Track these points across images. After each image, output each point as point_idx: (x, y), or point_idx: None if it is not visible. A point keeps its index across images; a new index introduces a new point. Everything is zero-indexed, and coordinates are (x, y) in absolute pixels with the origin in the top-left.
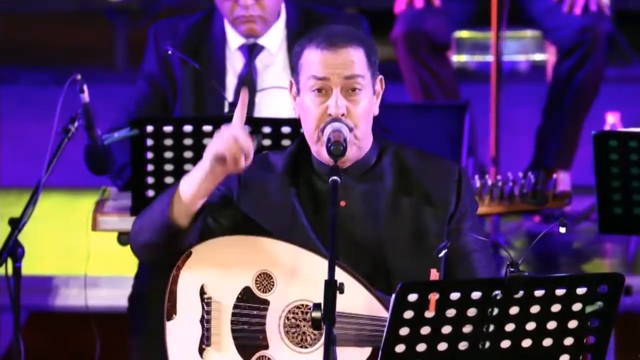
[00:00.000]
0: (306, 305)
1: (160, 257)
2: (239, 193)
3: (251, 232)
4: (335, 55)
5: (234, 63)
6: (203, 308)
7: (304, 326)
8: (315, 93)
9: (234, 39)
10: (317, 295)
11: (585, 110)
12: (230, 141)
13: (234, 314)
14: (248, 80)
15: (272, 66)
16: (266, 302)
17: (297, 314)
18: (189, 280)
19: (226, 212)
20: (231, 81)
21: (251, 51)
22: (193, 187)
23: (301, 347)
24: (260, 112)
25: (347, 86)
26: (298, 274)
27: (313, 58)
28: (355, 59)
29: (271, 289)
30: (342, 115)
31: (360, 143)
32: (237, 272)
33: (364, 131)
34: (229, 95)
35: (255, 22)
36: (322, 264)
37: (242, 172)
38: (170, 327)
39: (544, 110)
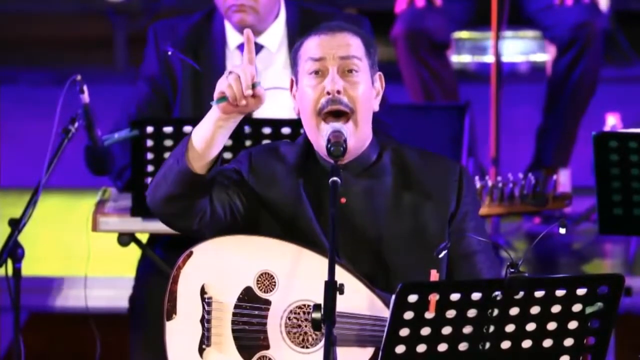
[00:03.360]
0: (308, 306)
1: (180, 209)
2: (248, 178)
3: (256, 222)
4: (331, 37)
5: (234, 63)
6: (204, 308)
7: (306, 326)
8: (312, 76)
9: (233, 38)
10: (319, 295)
11: (583, 107)
12: (227, 78)
13: (234, 314)
14: None
15: (272, 66)
16: (267, 302)
17: (298, 314)
18: (189, 280)
19: (238, 189)
20: None
21: None
22: (205, 134)
23: (302, 347)
24: (259, 112)
25: (344, 67)
26: (300, 273)
27: (311, 44)
28: (352, 42)
29: (273, 289)
30: (338, 92)
31: (359, 132)
32: (239, 272)
33: (362, 118)
34: None
35: (246, 12)
36: (324, 263)
37: (253, 158)
38: (170, 327)
39: (543, 109)
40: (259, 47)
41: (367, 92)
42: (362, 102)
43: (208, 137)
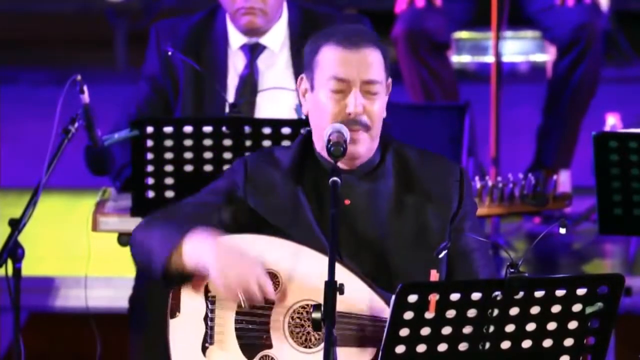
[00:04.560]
0: (311, 305)
1: (152, 278)
2: (245, 188)
3: (255, 229)
4: (355, 55)
5: (236, 63)
6: (207, 306)
7: (309, 326)
8: (333, 91)
9: (236, 39)
10: (323, 295)
11: (584, 108)
12: (245, 288)
13: (238, 313)
14: (249, 80)
15: (274, 67)
16: (271, 302)
17: (301, 313)
18: (192, 279)
19: (230, 208)
20: (232, 81)
21: (253, 51)
22: (192, 261)
23: (305, 347)
24: (261, 112)
25: (366, 88)
26: (304, 273)
27: (332, 56)
28: (374, 61)
29: (276, 288)
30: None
31: (373, 143)
32: None
33: (377, 131)
34: (230, 96)
35: (255, 14)
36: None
37: (249, 167)
38: (174, 325)
39: (543, 109)
40: (261, 48)
41: (382, 106)
42: (378, 117)
43: (193, 264)
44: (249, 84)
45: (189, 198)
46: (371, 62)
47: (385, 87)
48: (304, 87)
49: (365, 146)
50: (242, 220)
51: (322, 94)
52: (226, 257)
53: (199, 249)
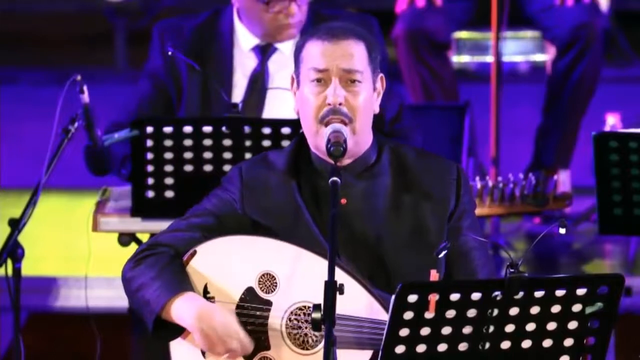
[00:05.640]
0: (308, 307)
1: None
2: (242, 198)
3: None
4: (335, 46)
5: (244, 63)
6: None
7: (306, 328)
8: (314, 83)
9: (246, 40)
10: (320, 297)
11: (583, 107)
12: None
13: (236, 314)
14: (259, 79)
15: (284, 68)
16: (269, 303)
17: (299, 315)
18: (192, 279)
19: (222, 228)
20: (239, 81)
21: (264, 52)
22: (178, 322)
23: (303, 348)
24: (269, 112)
25: (346, 77)
26: (301, 275)
27: (313, 50)
28: (355, 52)
29: (274, 289)
30: (340, 104)
31: (358, 138)
32: (241, 272)
33: (362, 125)
34: (237, 96)
35: (295, 27)
36: (326, 265)
37: (244, 173)
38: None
39: (542, 109)
40: (273, 49)
41: (367, 99)
42: (362, 111)
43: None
44: (259, 83)
45: (178, 222)
46: (352, 52)
47: (370, 81)
48: (294, 86)
49: (349, 140)
50: (243, 231)
51: (306, 88)
52: (207, 333)
53: (182, 316)
